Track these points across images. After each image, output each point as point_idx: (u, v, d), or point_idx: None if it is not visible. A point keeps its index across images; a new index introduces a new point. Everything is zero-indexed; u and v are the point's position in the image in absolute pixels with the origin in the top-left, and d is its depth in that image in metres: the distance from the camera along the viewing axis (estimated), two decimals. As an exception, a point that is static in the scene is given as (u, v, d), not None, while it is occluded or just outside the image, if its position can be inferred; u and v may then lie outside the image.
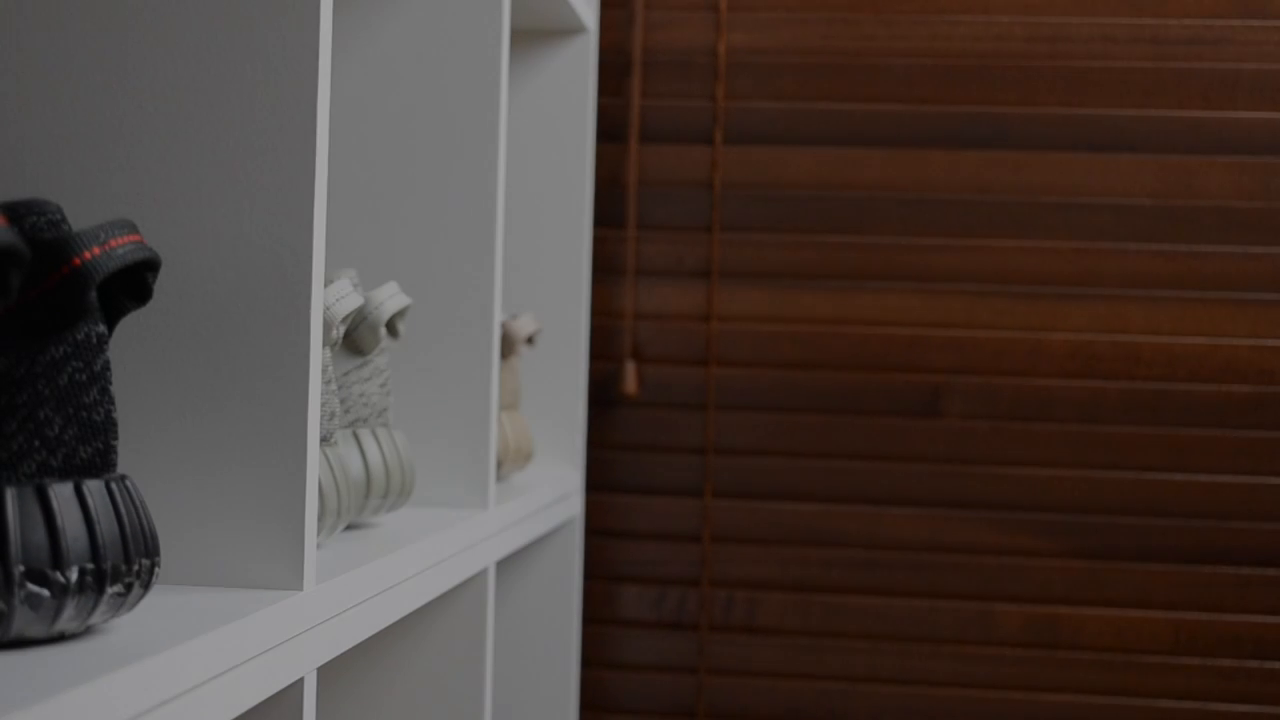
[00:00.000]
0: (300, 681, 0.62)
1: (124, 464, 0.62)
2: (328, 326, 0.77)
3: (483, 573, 0.99)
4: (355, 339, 0.84)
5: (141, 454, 0.62)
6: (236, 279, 0.62)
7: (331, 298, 0.77)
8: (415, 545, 0.80)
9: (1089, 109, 1.45)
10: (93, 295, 0.50)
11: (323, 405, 0.75)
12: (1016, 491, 1.45)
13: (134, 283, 0.53)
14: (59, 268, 0.49)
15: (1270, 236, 1.43)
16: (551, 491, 1.25)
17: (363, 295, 0.83)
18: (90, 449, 0.50)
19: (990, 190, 1.46)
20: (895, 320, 1.47)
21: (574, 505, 1.39)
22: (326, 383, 0.76)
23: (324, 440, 0.75)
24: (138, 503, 0.51)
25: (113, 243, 0.50)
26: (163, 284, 0.62)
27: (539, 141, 1.40)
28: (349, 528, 0.87)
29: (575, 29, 1.40)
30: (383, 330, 0.85)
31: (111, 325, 0.53)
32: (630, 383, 1.48)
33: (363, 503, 0.83)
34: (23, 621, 0.47)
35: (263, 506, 0.62)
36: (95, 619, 0.50)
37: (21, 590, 0.46)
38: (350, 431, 0.83)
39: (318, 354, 0.63)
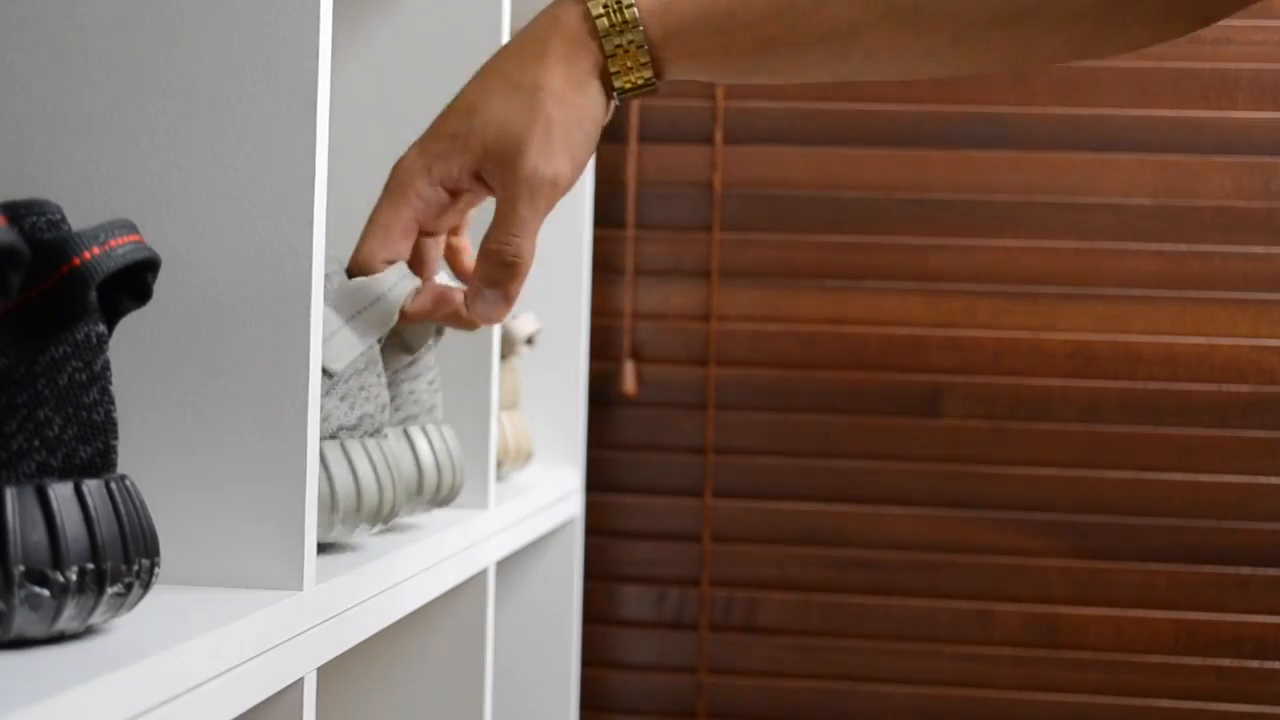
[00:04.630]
0: (300, 681, 0.62)
1: (124, 464, 0.62)
2: (389, 314, 0.74)
3: (483, 573, 0.99)
4: (404, 336, 0.83)
5: (141, 454, 0.62)
6: (236, 279, 0.62)
7: (387, 283, 0.75)
8: (415, 545, 0.80)
9: (1089, 109, 1.45)
10: (93, 295, 0.50)
11: (374, 398, 0.74)
12: (1016, 491, 1.45)
13: (134, 283, 0.53)
14: (59, 268, 0.49)
15: (1270, 236, 1.43)
16: (551, 491, 1.25)
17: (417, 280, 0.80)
18: (90, 449, 0.50)
19: (990, 190, 1.46)
20: (895, 320, 1.46)
21: (574, 505, 1.39)
22: (377, 375, 0.74)
23: (375, 433, 0.74)
24: (138, 503, 0.51)
25: (113, 243, 0.50)
26: (163, 284, 0.62)
27: (539, 141, 1.39)
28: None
29: (575, 29, 1.39)
30: (433, 326, 0.84)
31: (111, 325, 0.53)
32: (630, 383, 1.48)
33: (413, 499, 0.82)
34: (23, 621, 0.47)
35: (263, 506, 0.62)
36: (95, 619, 0.50)
37: (21, 590, 0.46)
38: (401, 428, 0.82)
39: (318, 354, 0.63)
